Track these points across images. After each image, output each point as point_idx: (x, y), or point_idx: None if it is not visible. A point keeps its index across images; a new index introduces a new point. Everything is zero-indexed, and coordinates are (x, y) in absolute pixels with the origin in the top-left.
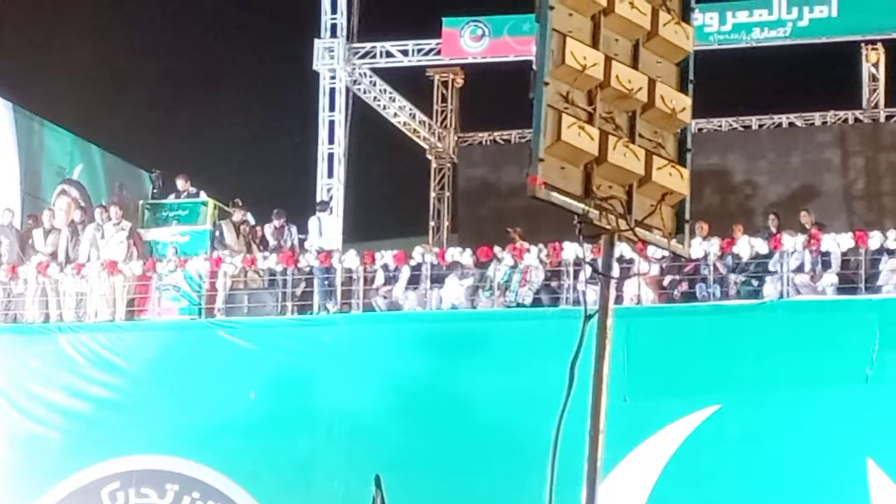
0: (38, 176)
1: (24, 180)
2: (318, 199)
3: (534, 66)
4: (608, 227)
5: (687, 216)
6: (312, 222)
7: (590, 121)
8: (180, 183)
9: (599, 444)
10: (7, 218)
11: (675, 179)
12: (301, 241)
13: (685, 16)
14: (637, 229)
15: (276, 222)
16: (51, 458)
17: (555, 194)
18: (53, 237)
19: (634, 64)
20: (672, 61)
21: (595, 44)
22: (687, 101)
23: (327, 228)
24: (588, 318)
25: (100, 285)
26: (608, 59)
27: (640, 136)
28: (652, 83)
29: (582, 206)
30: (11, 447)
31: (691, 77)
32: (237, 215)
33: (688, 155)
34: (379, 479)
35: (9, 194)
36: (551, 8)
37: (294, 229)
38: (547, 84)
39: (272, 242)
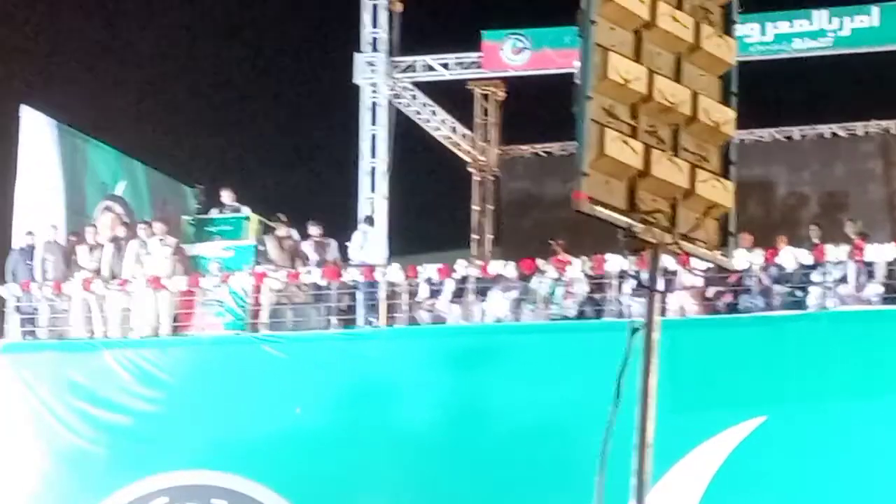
0: (82, 192)
1: (68, 197)
2: (365, 215)
3: (577, 81)
4: (653, 240)
5: (731, 228)
6: (356, 236)
7: (633, 135)
8: (226, 196)
9: (647, 458)
10: (51, 234)
11: (720, 192)
12: (344, 256)
13: (727, 28)
14: (682, 242)
15: (314, 231)
16: (97, 474)
17: (599, 208)
18: (97, 253)
19: (677, 77)
20: (715, 74)
21: (638, 58)
22: (730, 113)
23: (372, 242)
24: (634, 331)
25: (144, 301)
26: (651, 73)
27: (684, 149)
28: (695, 96)
29: (627, 219)
30: (57, 463)
31: (734, 89)
32: (281, 230)
33: (732, 167)
34: None
35: (53, 211)
36: (594, 22)
37: (334, 242)
38: (590, 98)
39: (314, 258)
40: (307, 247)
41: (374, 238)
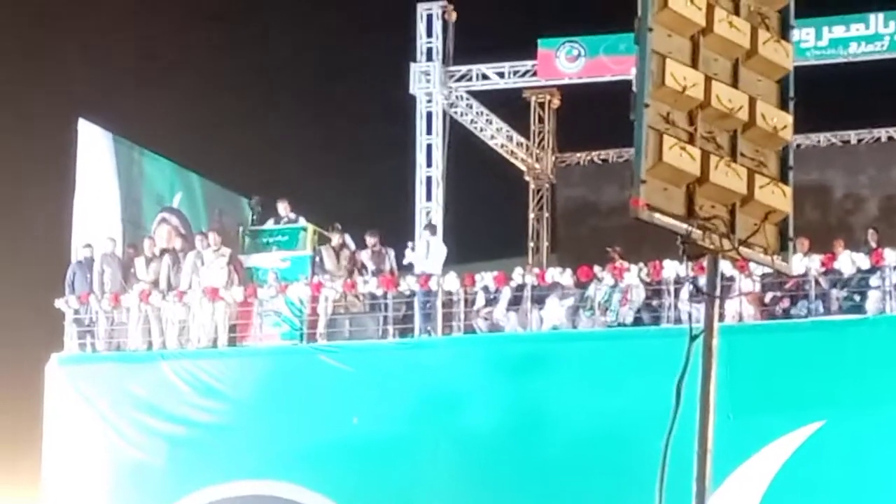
0: (139, 204)
1: (124, 209)
2: (427, 222)
3: (633, 88)
4: (712, 246)
5: (790, 234)
6: (419, 244)
7: (691, 141)
8: (282, 208)
9: (707, 463)
10: (109, 247)
11: (778, 197)
12: (401, 264)
13: (784, 33)
14: (741, 248)
15: (370, 240)
16: (155, 486)
17: (658, 216)
18: (155, 265)
19: (734, 83)
20: (772, 79)
21: (694, 64)
22: (788, 118)
23: (434, 251)
24: (693, 338)
25: (201, 312)
26: (708, 79)
27: (742, 154)
28: (752, 102)
29: (685, 226)
30: (117, 475)
31: (791, 94)
32: (335, 239)
33: (790, 173)
34: None
35: (110, 223)
36: (650, 30)
37: (392, 252)
38: (647, 106)
39: (371, 267)
40: (364, 256)
41: (436, 246)
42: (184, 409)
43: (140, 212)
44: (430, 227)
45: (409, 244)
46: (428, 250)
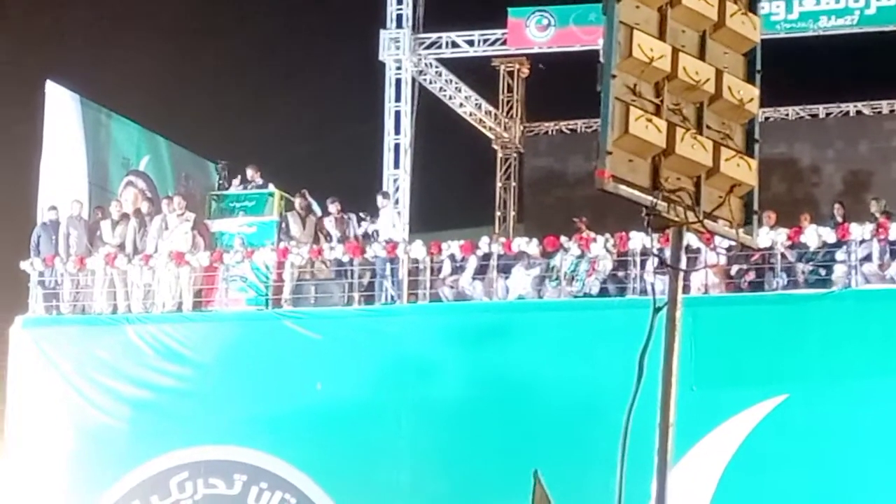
0: (105, 167)
1: (91, 172)
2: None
3: (601, 59)
4: (677, 219)
5: (755, 207)
6: (384, 213)
7: (657, 113)
8: (250, 172)
9: (670, 436)
10: (75, 209)
11: (744, 170)
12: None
13: (752, 6)
14: (706, 221)
15: (332, 207)
16: (119, 449)
17: (623, 187)
18: (121, 228)
19: (701, 55)
20: (739, 52)
21: (662, 35)
22: (754, 91)
23: (387, 217)
24: (657, 310)
25: (167, 276)
26: (675, 51)
27: (708, 127)
28: (719, 74)
29: (650, 198)
30: (81, 438)
31: (759, 67)
32: (300, 204)
33: (756, 146)
34: (537, 472)
35: (76, 186)
36: (618, 0)
37: (354, 217)
38: (614, 77)
39: (335, 234)
40: (328, 223)
41: (389, 212)
42: (148, 373)
43: (107, 175)
44: (383, 194)
45: (363, 217)
46: (385, 216)
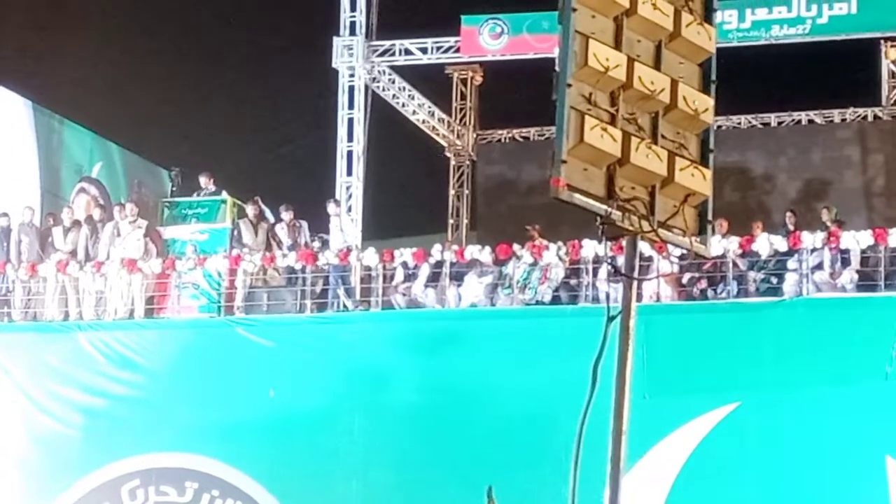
0: (58, 174)
1: (43, 178)
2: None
3: (556, 68)
4: (631, 228)
5: (709, 216)
6: (335, 220)
7: (612, 122)
8: (203, 180)
9: (623, 443)
10: (27, 216)
11: (698, 180)
12: (323, 241)
13: (707, 16)
14: (660, 230)
15: (286, 215)
16: (71, 456)
17: (577, 196)
18: (73, 235)
19: (657, 65)
20: (694, 62)
21: (618, 45)
22: (709, 101)
23: (337, 224)
24: (611, 318)
25: (119, 283)
26: (631, 61)
27: (663, 136)
28: (674, 84)
29: (605, 207)
30: (32, 445)
31: (713, 77)
32: (252, 211)
33: (710, 155)
34: (490, 490)
35: (28, 192)
36: (574, 10)
37: (306, 224)
38: (570, 86)
39: (287, 241)
40: (280, 230)
41: (340, 220)
42: (100, 380)
43: (59, 181)
44: (335, 202)
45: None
46: (339, 224)
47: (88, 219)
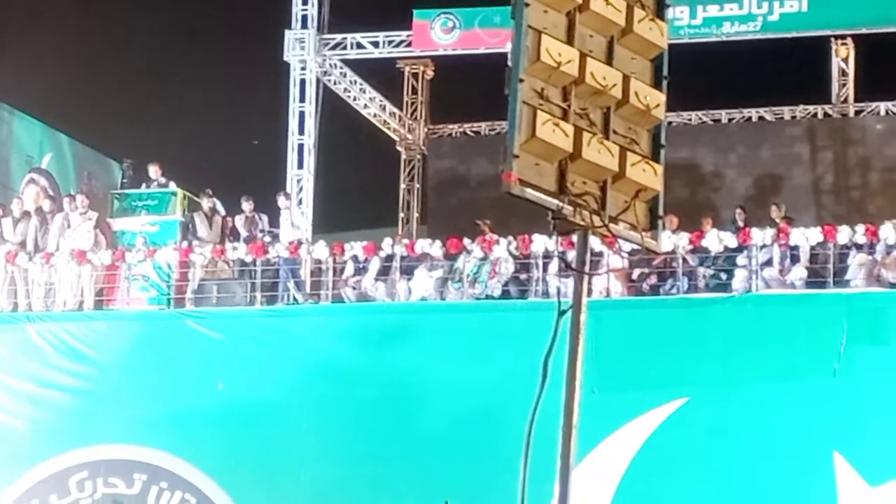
0: (7, 165)
1: None
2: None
3: (509, 63)
4: (583, 223)
5: (660, 212)
6: (285, 213)
7: (564, 117)
8: (153, 171)
9: (572, 439)
10: None
11: (649, 175)
12: (273, 234)
13: (659, 12)
14: (611, 225)
15: (246, 206)
16: (18, 448)
17: (529, 190)
18: (22, 226)
19: (609, 60)
20: (646, 58)
21: (570, 40)
22: (661, 97)
23: (287, 218)
24: (562, 313)
25: (68, 275)
26: (583, 56)
27: (615, 132)
28: (626, 80)
29: (556, 202)
30: None
31: (665, 73)
32: (206, 204)
33: (661, 151)
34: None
35: None
36: (527, 4)
37: (265, 218)
38: (522, 81)
39: (244, 233)
40: (238, 222)
41: (290, 214)
42: (49, 372)
43: (8, 172)
44: (285, 195)
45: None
46: (289, 218)
47: (38, 210)
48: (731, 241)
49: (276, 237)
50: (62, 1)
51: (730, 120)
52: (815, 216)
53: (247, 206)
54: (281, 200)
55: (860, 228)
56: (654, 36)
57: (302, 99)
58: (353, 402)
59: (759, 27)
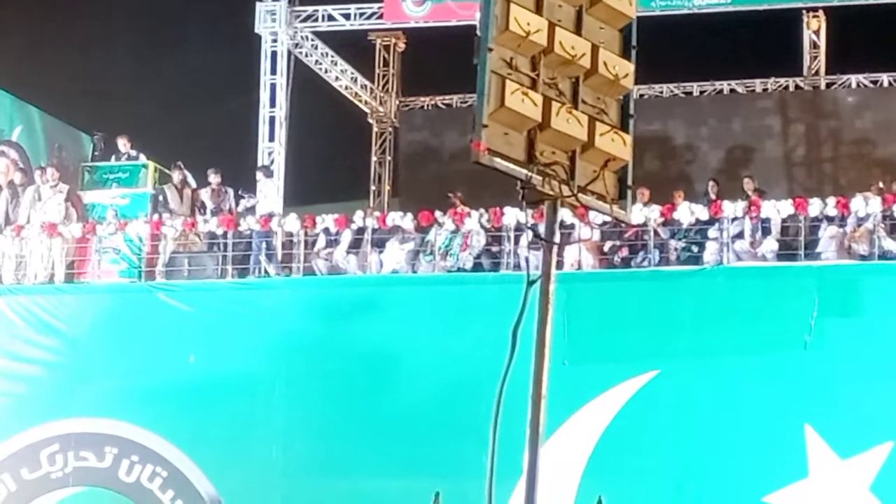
0: None
1: None
2: (261, 164)
3: (477, 32)
4: (551, 192)
5: (629, 182)
6: (261, 187)
7: (533, 87)
8: (121, 143)
9: (542, 410)
10: None
11: (618, 145)
12: (245, 206)
13: None
14: (580, 195)
15: (213, 178)
16: None
17: (498, 160)
18: None
19: (578, 30)
20: (615, 27)
21: (539, 10)
22: (630, 67)
23: (268, 192)
24: (530, 283)
25: (39, 248)
26: (552, 26)
27: (583, 102)
28: (595, 49)
29: (525, 171)
30: None
31: (634, 43)
32: (177, 177)
33: (630, 121)
34: (438, 495)
35: None
36: None
37: (231, 191)
38: (491, 50)
39: (210, 206)
40: (204, 194)
41: (270, 188)
42: (19, 345)
43: None
44: (265, 170)
45: (245, 196)
46: (264, 191)
47: (9, 183)
48: (702, 213)
49: (251, 210)
50: None
51: (701, 92)
52: (786, 189)
53: (214, 178)
54: (260, 176)
55: (831, 201)
56: (623, 5)
57: (273, 71)
58: (324, 374)
59: None
